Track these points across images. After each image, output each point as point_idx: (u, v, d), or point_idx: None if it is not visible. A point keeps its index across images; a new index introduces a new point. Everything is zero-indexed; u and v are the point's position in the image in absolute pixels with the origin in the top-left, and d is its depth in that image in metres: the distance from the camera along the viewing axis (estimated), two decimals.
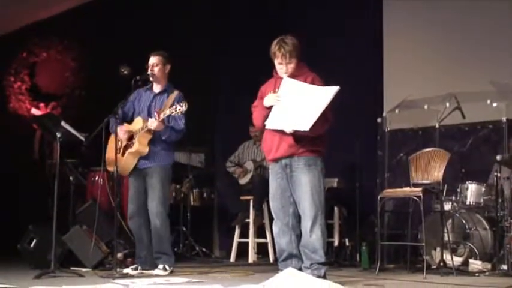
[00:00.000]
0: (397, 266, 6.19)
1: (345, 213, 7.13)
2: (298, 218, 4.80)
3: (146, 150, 5.62)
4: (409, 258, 6.08)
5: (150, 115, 5.67)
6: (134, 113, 5.82)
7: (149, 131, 5.58)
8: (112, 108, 5.58)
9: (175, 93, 5.70)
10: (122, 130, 5.70)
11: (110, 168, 5.72)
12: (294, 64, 4.79)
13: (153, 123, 5.51)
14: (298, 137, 4.68)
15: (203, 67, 8.20)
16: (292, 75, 4.79)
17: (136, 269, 5.65)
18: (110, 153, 5.70)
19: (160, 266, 5.59)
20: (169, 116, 5.53)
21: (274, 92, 4.77)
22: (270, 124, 4.75)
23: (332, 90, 4.57)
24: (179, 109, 5.39)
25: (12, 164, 8.58)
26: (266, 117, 4.77)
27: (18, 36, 9.46)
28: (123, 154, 5.70)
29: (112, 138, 5.70)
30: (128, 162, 5.67)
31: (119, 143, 5.73)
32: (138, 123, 5.71)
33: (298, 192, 4.74)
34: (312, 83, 4.73)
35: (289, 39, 4.78)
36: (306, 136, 4.65)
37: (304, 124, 4.55)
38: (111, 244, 5.89)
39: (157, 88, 5.82)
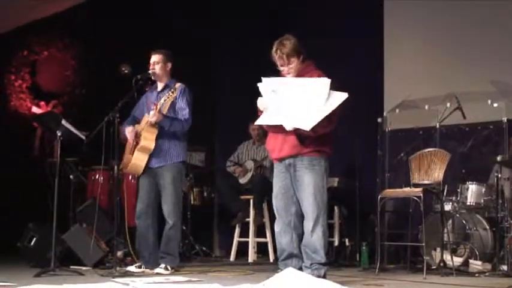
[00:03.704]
0: (397, 266, 6.20)
1: (345, 213, 7.13)
2: (300, 217, 4.79)
3: (152, 145, 5.60)
4: (409, 259, 6.09)
5: None
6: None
7: (153, 125, 5.58)
8: (113, 107, 5.58)
9: (178, 85, 5.71)
10: (130, 131, 5.72)
11: (126, 170, 5.74)
12: (295, 64, 4.77)
13: (152, 116, 5.51)
14: (302, 136, 4.67)
15: (203, 67, 8.20)
16: (297, 75, 4.77)
17: (139, 267, 5.67)
18: (126, 154, 5.72)
19: (162, 265, 5.59)
20: (174, 107, 5.55)
21: None
22: (261, 120, 4.73)
23: (341, 97, 4.52)
24: (171, 95, 5.45)
25: (12, 162, 8.58)
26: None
27: (19, 34, 9.46)
28: (133, 153, 5.70)
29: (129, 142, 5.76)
30: (137, 159, 5.64)
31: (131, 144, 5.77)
32: (144, 120, 5.73)
33: (301, 191, 4.73)
34: None
35: (286, 40, 4.75)
36: (309, 136, 4.65)
37: (307, 124, 4.53)
38: (111, 243, 5.89)
39: (160, 86, 5.84)
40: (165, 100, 5.51)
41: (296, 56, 4.76)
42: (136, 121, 5.85)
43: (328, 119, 4.57)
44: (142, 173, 5.71)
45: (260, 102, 4.76)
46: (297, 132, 4.64)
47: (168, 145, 5.67)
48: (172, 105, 5.64)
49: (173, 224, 5.62)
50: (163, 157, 5.66)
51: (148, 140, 5.61)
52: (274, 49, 4.78)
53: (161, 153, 5.65)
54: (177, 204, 5.66)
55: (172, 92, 5.49)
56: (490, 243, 5.91)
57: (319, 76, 4.74)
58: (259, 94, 5.04)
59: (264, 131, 5.30)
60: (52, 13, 9.15)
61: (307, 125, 4.52)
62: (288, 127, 4.62)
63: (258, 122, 4.79)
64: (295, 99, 4.60)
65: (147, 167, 5.67)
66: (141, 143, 5.61)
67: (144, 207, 5.71)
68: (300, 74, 4.78)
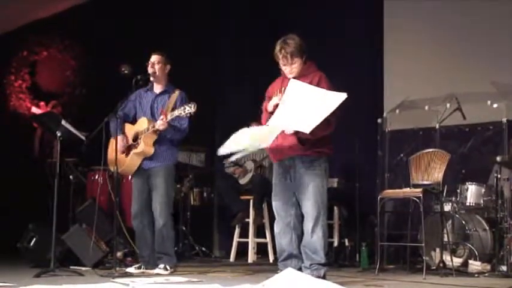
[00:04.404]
0: (396, 267, 6.19)
1: (344, 214, 7.13)
2: (300, 218, 4.80)
3: (152, 150, 5.64)
4: (408, 259, 6.08)
5: (153, 116, 5.69)
6: (136, 114, 5.83)
7: (155, 131, 5.59)
8: (112, 108, 5.58)
9: (177, 92, 5.70)
10: (121, 144, 5.70)
11: (112, 168, 5.73)
12: (298, 64, 4.76)
13: (161, 125, 5.51)
14: (302, 137, 4.66)
15: (203, 66, 8.20)
16: (299, 75, 4.75)
17: (139, 267, 5.67)
18: (111, 154, 5.71)
19: (161, 266, 5.60)
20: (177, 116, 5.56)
21: (280, 91, 4.74)
22: (271, 122, 4.72)
23: (339, 98, 4.52)
24: (188, 110, 5.37)
25: (12, 163, 8.58)
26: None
27: (19, 34, 9.46)
28: (127, 154, 5.70)
29: (112, 140, 5.71)
30: (132, 162, 5.68)
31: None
32: (142, 123, 5.71)
33: (301, 192, 4.73)
34: (319, 82, 4.69)
35: (291, 40, 4.74)
36: (309, 138, 4.64)
37: (306, 127, 4.52)
38: (111, 243, 5.89)
39: (157, 88, 5.82)
40: (180, 114, 5.44)
41: (300, 56, 4.75)
42: (126, 118, 5.82)
43: (327, 121, 4.56)
44: (134, 173, 5.73)
45: (273, 102, 4.73)
46: (297, 135, 4.64)
47: (162, 148, 5.68)
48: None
49: (164, 222, 5.63)
50: (156, 159, 5.67)
51: (149, 146, 5.64)
52: (278, 48, 4.76)
53: (154, 155, 5.66)
54: (167, 203, 5.67)
55: (190, 107, 5.37)
56: (489, 243, 5.91)
57: (320, 77, 4.75)
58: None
59: None
60: (52, 13, 9.15)
61: (306, 128, 4.52)
62: (288, 131, 4.63)
63: (269, 123, 4.73)
64: (300, 105, 4.58)
65: (140, 167, 5.70)
66: (142, 148, 5.63)
67: (139, 208, 5.73)
68: (301, 74, 4.77)
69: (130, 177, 6.79)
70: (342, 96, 4.51)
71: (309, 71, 4.80)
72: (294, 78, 4.75)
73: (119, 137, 5.70)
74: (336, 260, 6.56)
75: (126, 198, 6.67)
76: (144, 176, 5.72)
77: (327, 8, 7.56)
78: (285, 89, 4.72)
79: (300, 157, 4.74)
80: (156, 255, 5.68)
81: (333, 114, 4.57)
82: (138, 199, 5.74)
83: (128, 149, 5.73)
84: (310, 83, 4.70)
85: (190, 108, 5.37)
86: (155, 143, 5.65)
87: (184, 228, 7.61)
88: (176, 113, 5.46)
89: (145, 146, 5.63)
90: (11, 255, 6.57)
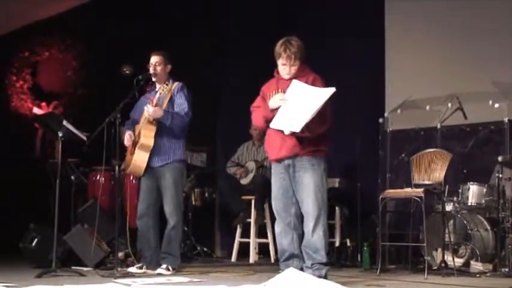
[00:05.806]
0: (398, 267, 6.19)
1: (346, 214, 7.13)
2: (300, 218, 4.80)
3: (151, 142, 5.57)
4: (410, 259, 6.09)
5: None
6: None
7: (151, 122, 5.57)
8: (114, 108, 5.58)
9: (176, 84, 5.72)
10: (128, 138, 5.72)
11: (127, 171, 5.73)
12: (297, 66, 4.79)
13: (149, 111, 5.51)
14: (300, 137, 4.68)
15: (204, 67, 8.20)
16: (294, 76, 4.79)
17: (141, 267, 5.67)
18: (128, 157, 5.71)
19: (164, 266, 5.59)
20: (172, 104, 5.57)
21: (278, 92, 4.76)
22: (274, 124, 4.74)
23: (327, 92, 4.56)
24: (166, 87, 5.48)
25: (13, 163, 8.58)
26: (268, 118, 4.76)
27: (20, 35, 9.46)
28: (133, 153, 5.69)
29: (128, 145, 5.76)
30: (138, 159, 5.61)
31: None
32: (141, 120, 5.73)
33: (301, 192, 4.74)
34: (313, 83, 4.74)
35: (294, 41, 4.78)
36: (307, 136, 4.65)
37: (296, 125, 4.55)
38: (112, 243, 5.89)
39: (159, 87, 5.82)
40: (160, 94, 5.50)
41: (300, 58, 4.80)
42: (136, 123, 5.84)
43: (322, 116, 4.58)
44: (143, 173, 5.70)
45: (274, 101, 4.74)
46: (296, 134, 4.65)
47: (168, 143, 5.66)
48: (171, 102, 5.65)
49: (174, 224, 5.62)
50: (164, 156, 5.65)
51: (148, 138, 5.59)
52: (282, 48, 4.78)
53: (162, 151, 5.64)
54: (178, 205, 5.67)
55: (167, 85, 5.48)
56: (491, 243, 5.91)
57: (314, 78, 4.80)
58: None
59: (264, 132, 5.31)
60: (53, 14, 9.15)
61: (297, 127, 4.54)
62: (286, 132, 4.65)
63: (272, 125, 4.76)
64: (299, 105, 4.60)
65: (148, 166, 5.66)
66: (141, 141, 5.60)
67: (146, 207, 5.71)
68: (297, 75, 4.80)
69: (131, 177, 6.82)
70: (330, 90, 4.55)
71: (304, 73, 4.84)
72: (290, 79, 4.77)
73: (126, 134, 5.70)
74: (337, 260, 6.57)
75: (128, 198, 6.67)
76: (152, 175, 5.69)
77: (327, 8, 7.56)
78: (281, 89, 4.76)
79: (299, 157, 4.75)
80: (161, 255, 5.67)
81: (326, 110, 4.58)
82: (145, 199, 5.73)
83: (134, 148, 5.72)
84: (306, 83, 4.73)
85: (167, 86, 5.47)
86: (157, 136, 5.60)
87: (185, 228, 7.60)
88: (157, 95, 5.52)
89: (144, 138, 5.58)
90: (12, 255, 6.57)
